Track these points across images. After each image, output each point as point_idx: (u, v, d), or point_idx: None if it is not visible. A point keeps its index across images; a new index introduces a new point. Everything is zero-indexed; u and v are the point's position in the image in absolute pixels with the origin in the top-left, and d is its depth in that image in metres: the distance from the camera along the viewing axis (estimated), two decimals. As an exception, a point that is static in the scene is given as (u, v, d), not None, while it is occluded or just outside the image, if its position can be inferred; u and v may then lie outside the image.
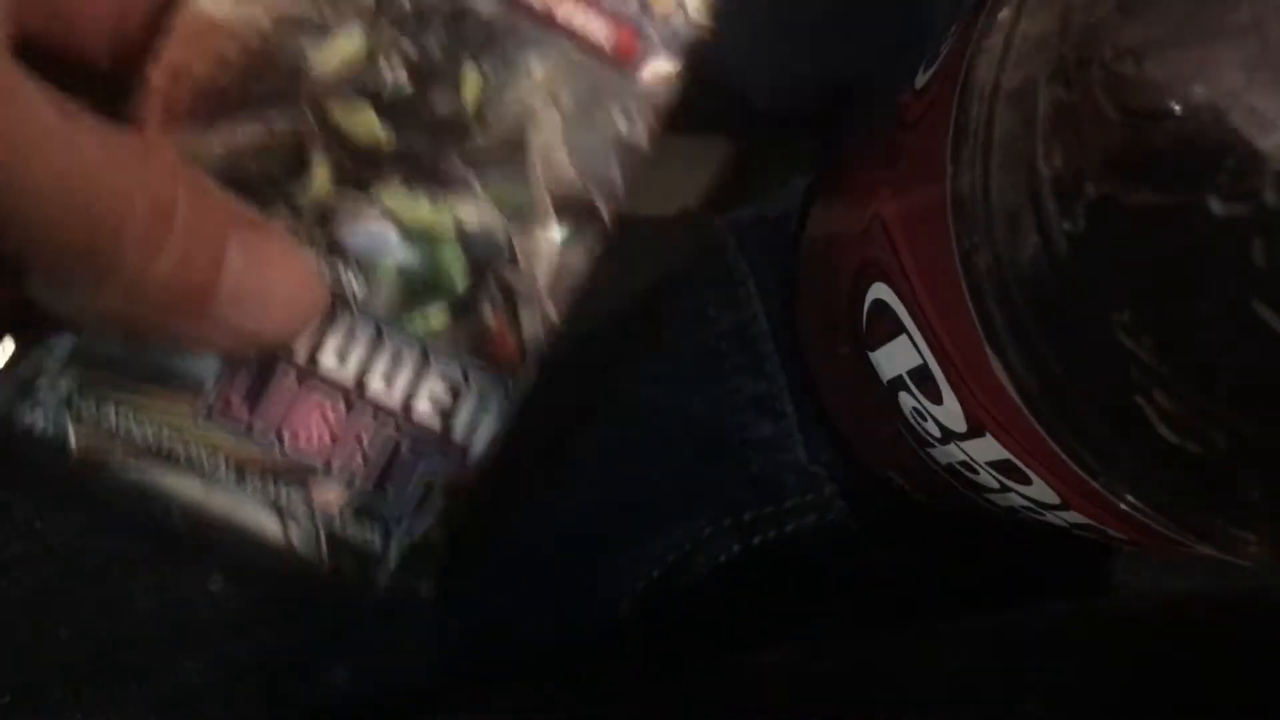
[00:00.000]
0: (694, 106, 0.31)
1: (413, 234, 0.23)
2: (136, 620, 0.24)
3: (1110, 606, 0.27)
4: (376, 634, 0.26)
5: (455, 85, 0.23)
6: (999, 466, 0.20)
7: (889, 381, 0.22)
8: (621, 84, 0.23)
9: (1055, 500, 0.20)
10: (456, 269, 0.23)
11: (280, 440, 0.23)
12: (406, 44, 0.23)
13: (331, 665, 0.26)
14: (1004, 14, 0.17)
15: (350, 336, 0.23)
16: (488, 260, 0.23)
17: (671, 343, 0.29)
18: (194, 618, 0.24)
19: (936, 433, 0.22)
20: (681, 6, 0.23)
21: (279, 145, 0.22)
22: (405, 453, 0.23)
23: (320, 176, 0.23)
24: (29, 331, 0.22)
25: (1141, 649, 0.23)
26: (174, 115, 0.22)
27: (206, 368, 0.22)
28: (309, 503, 0.23)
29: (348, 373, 0.23)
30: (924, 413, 0.21)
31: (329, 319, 0.23)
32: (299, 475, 0.23)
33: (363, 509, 0.23)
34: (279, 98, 0.22)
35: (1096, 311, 0.16)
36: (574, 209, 0.23)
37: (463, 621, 0.27)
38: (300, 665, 0.25)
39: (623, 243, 0.30)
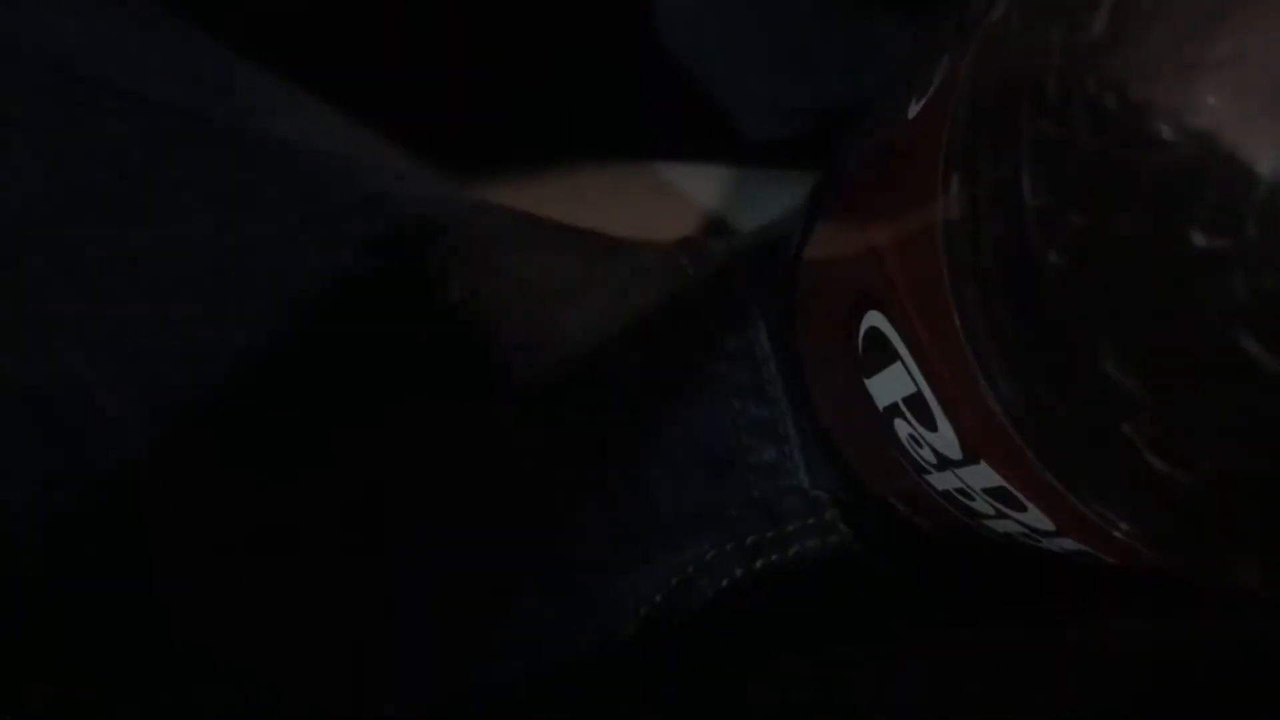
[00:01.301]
0: (690, 137, 0.31)
1: None
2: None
3: (1114, 629, 0.27)
4: (376, 657, 0.27)
5: None
6: (994, 493, 0.20)
7: (885, 408, 0.22)
8: None
9: (1050, 527, 0.20)
10: None
11: None
12: None
13: (323, 687, 0.26)
14: (990, 47, 0.17)
15: None
16: None
17: (675, 365, 0.29)
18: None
19: (932, 459, 0.22)
20: None
21: None
22: None
23: None
24: None
25: (1146, 671, 0.23)
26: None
27: None
28: None
29: None
30: (919, 440, 0.22)
31: None
32: None
33: None
34: None
35: (1084, 342, 0.16)
36: None
37: (463, 646, 0.27)
38: (289, 690, 0.25)
39: (626, 267, 0.30)
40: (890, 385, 0.22)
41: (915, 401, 0.21)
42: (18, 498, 0.24)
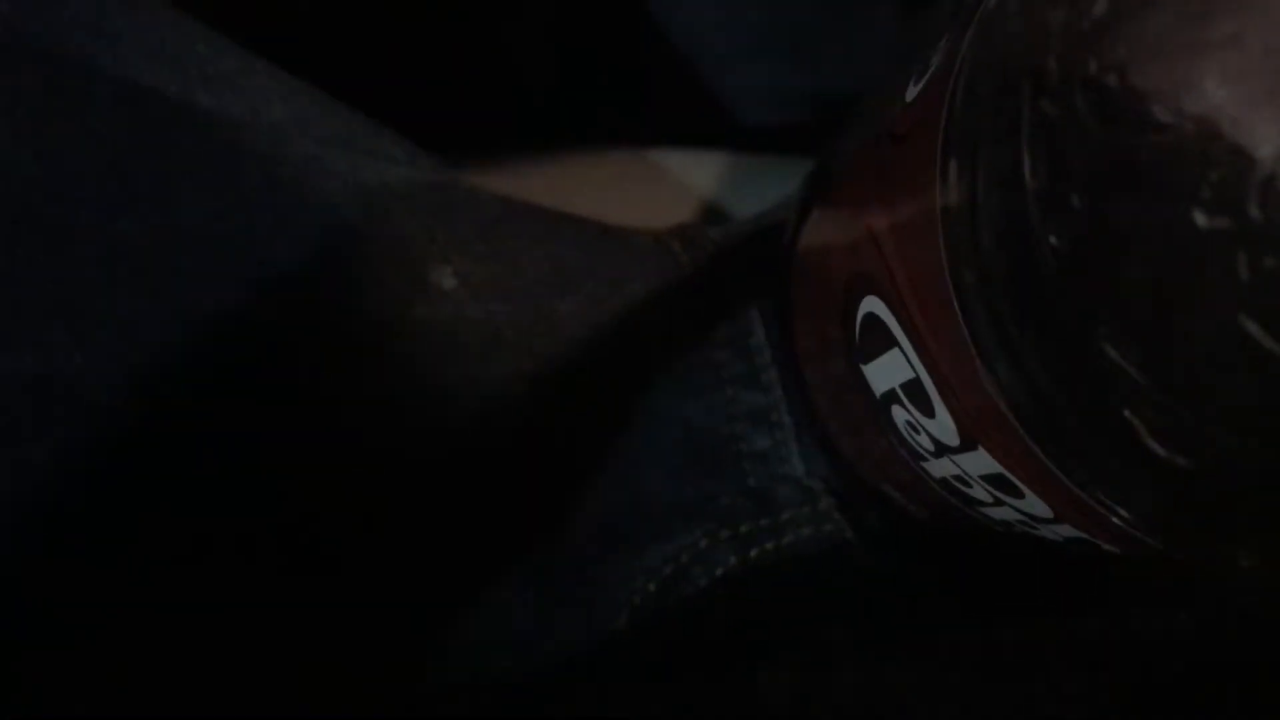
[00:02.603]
0: (688, 125, 0.31)
1: None
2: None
3: (1115, 620, 0.27)
4: (370, 652, 0.26)
5: None
6: (991, 480, 0.20)
7: (882, 395, 0.22)
8: None
9: (1047, 514, 0.20)
10: None
11: None
12: None
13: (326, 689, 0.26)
14: (989, 29, 0.17)
15: None
16: None
17: (669, 352, 0.29)
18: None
19: (929, 446, 0.21)
20: None
21: None
22: None
23: None
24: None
25: (1148, 661, 0.23)
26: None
27: None
28: None
29: None
30: (917, 426, 0.21)
31: None
32: None
33: None
34: None
35: (1084, 325, 0.16)
36: None
37: (459, 638, 0.27)
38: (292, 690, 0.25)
39: (619, 255, 0.30)
40: (887, 371, 0.22)
41: (913, 387, 0.21)
42: (7, 486, 0.24)
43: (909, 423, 0.22)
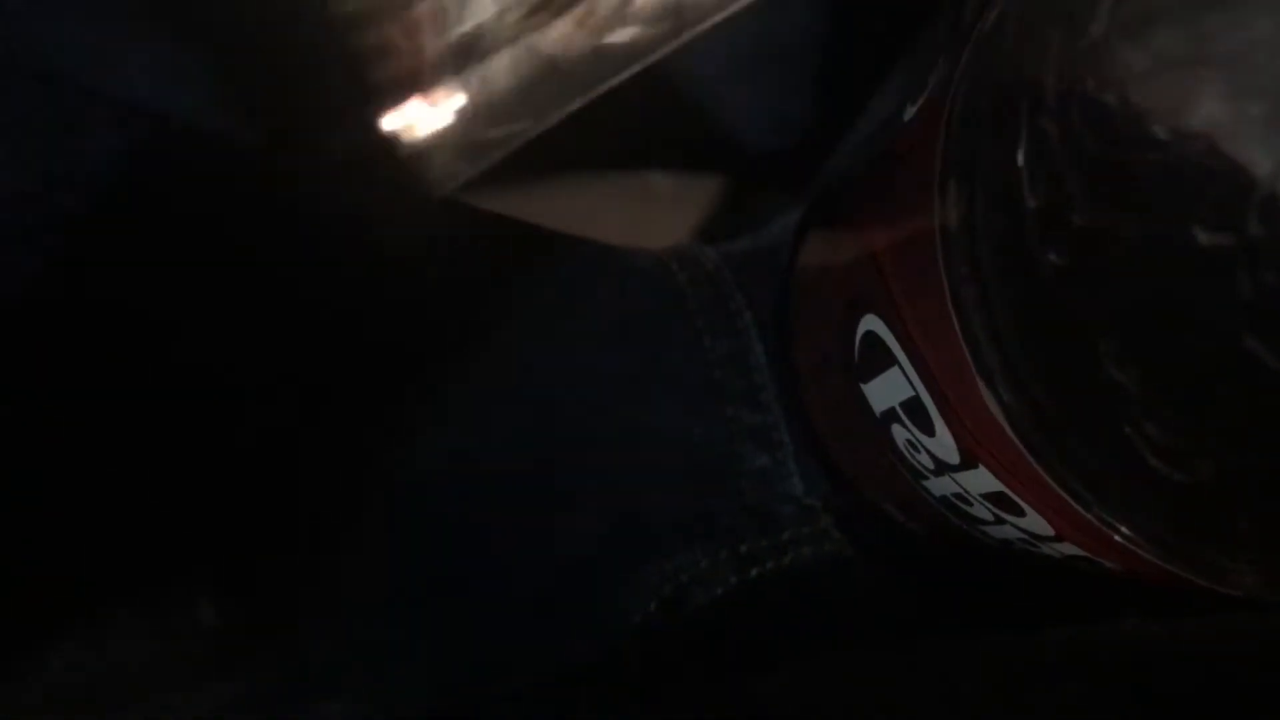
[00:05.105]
0: (686, 145, 0.31)
1: None
2: (126, 652, 0.24)
3: (1115, 631, 0.27)
4: (371, 670, 0.26)
5: None
6: (992, 498, 0.20)
7: (881, 414, 0.22)
8: None
9: (1049, 532, 0.20)
10: None
11: None
12: None
13: (325, 702, 0.26)
14: (987, 47, 0.17)
15: None
16: None
17: (669, 371, 0.29)
18: (184, 652, 0.24)
19: (929, 465, 0.21)
20: None
21: None
22: None
23: None
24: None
25: (1149, 670, 0.23)
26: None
27: None
28: None
29: None
30: (917, 445, 0.21)
31: None
32: None
33: None
34: None
35: (1084, 343, 0.16)
36: None
37: (458, 656, 0.27)
38: (293, 701, 0.25)
39: (618, 274, 0.30)
40: (887, 390, 0.21)
41: (913, 406, 0.21)
42: None
43: (909, 441, 0.22)
